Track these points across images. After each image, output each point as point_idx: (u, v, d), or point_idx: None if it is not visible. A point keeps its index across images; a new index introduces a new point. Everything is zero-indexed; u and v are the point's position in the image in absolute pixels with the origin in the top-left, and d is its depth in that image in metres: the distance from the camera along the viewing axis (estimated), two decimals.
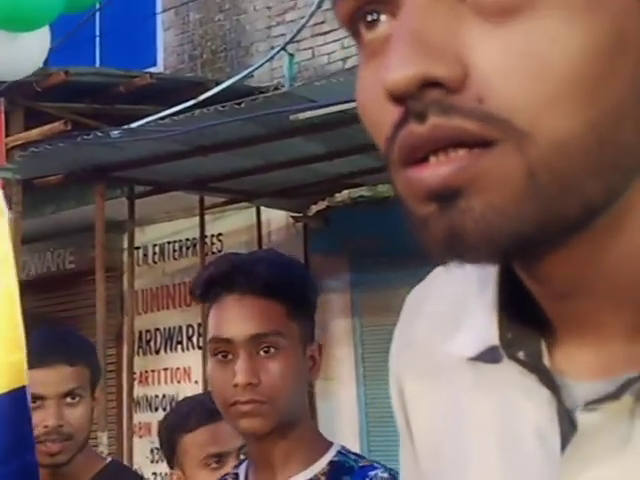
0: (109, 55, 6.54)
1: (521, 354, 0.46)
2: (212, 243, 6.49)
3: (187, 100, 4.72)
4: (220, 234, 6.44)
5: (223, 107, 4.00)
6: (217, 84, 5.09)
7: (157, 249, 6.74)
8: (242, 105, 3.89)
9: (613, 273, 0.43)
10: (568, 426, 0.44)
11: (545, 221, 0.39)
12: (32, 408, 1.41)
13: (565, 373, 0.45)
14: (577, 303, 0.44)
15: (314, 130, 4.07)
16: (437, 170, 0.39)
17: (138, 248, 6.58)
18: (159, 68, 6.47)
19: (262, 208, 5.69)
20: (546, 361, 0.46)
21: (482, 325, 0.48)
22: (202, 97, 4.67)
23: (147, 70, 5.60)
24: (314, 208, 5.61)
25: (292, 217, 5.70)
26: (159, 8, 6.51)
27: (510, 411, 0.47)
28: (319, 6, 5.61)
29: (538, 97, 0.38)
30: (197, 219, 5.74)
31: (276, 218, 5.83)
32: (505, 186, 0.38)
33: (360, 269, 5.42)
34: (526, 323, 0.47)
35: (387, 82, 0.38)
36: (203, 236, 5.78)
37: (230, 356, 1.16)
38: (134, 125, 4.42)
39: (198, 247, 5.96)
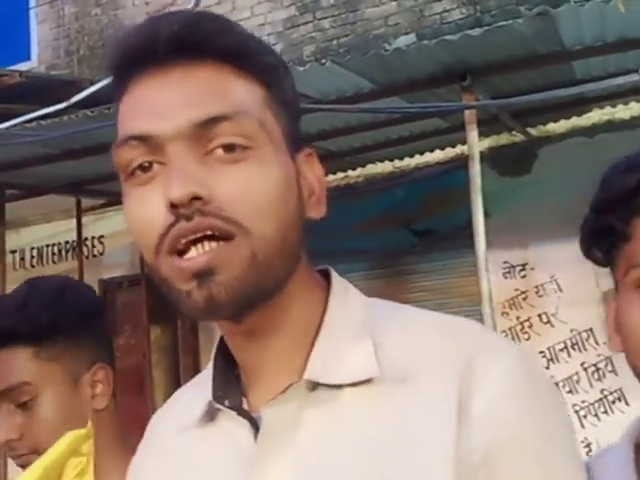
0: None
1: (227, 402, 0.73)
2: (93, 245, 6.31)
3: (60, 98, 4.53)
4: (102, 236, 6.27)
5: (92, 112, 3.88)
6: (92, 83, 4.92)
7: (35, 252, 6.50)
8: (112, 110, 3.77)
9: (283, 328, 0.71)
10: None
11: (260, 284, 0.66)
12: None
13: (256, 409, 0.71)
14: (262, 341, 0.71)
15: None
16: (198, 258, 0.64)
17: (14, 252, 6.34)
18: (33, 63, 6.22)
19: None
20: (245, 405, 0.73)
21: (205, 394, 0.75)
22: (74, 99, 4.50)
23: (20, 65, 5.36)
24: None
25: None
26: (32, 1, 6.24)
27: (228, 437, 0.72)
28: (197, 3, 5.52)
29: (253, 210, 0.65)
30: (75, 221, 5.56)
31: None
32: (241, 263, 0.65)
33: None
34: (232, 387, 0.75)
35: (172, 197, 0.63)
36: (80, 239, 5.61)
37: None
38: (1, 127, 4.21)
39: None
